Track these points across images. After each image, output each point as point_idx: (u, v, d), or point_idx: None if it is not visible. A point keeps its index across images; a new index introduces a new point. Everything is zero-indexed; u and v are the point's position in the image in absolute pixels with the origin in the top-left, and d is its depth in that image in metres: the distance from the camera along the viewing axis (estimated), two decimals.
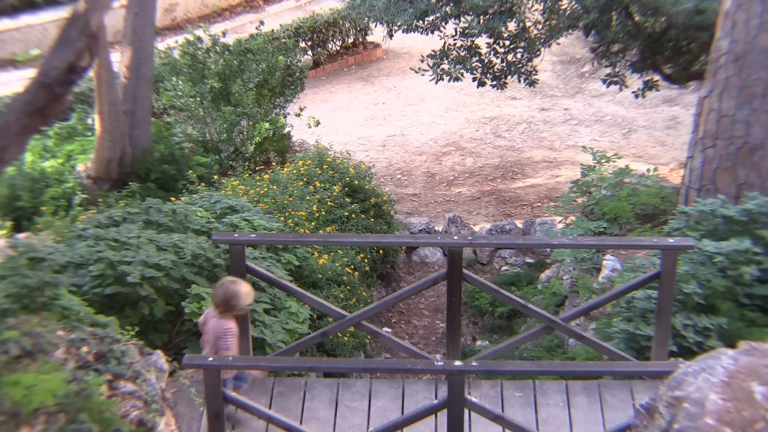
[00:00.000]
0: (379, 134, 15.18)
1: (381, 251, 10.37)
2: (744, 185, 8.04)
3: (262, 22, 12.76)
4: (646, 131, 14.94)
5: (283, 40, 13.50)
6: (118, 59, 10.26)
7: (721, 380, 3.10)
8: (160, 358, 5.35)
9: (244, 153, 11.27)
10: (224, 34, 11.93)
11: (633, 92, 11.70)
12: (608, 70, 11.54)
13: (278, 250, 7.88)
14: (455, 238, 6.52)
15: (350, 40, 18.33)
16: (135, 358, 4.96)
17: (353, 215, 10.11)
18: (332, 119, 14.76)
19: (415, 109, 16.09)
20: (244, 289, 5.66)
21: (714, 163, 8.28)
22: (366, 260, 9.83)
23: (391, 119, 15.75)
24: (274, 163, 11.53)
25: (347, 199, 10.27)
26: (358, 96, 16.76)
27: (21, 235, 7.76)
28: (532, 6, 11.12)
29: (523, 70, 11.54)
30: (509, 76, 11.63)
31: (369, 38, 18.49)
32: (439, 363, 5.56)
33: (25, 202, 9.64)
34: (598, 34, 11.15)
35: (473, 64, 11.39)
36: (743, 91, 8.02)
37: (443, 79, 11.28)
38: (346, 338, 8.32)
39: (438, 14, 11.03)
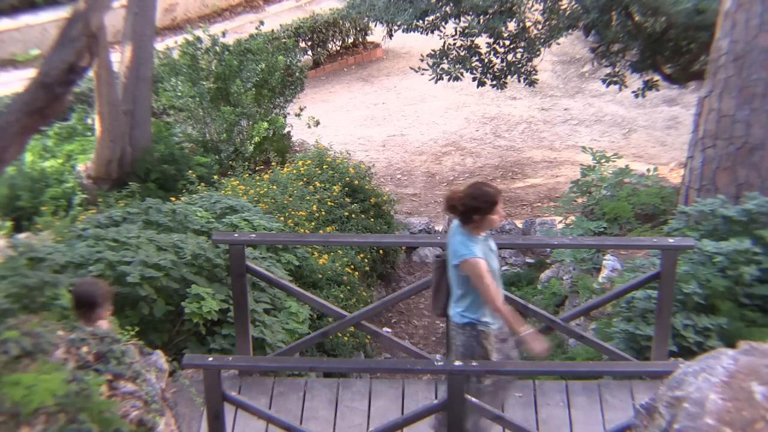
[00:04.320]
0: (379, 134, 15.17)
1: (381, 251, 10.37)
2: (744, 185, 8.04)
3: (262, 22, 12.76)
4: (646, 131, 14.93)
5: (283, 40, 13.51)
6: (118, 59, 10.27)
7: (721, 380, 3.10)
8: (160, 358, 5.34)
9: (244, 153, 11.26)
10: (224, 34, 11.93)
11: (633, 92, 11.69)
12: (608, 70, 11.52)
13: (278, 250, 7.88)
14: None
15: (350, 40, 18.31)
16: (135, 358, 4.95)
17: (353, 215, 10.11)
18: (332, 119, 14.75)
19: (415, 109, 16.08)
20: None
21: (714, 163, 8.27)
22: (366, 260, 9.82)
23: (391, 119, 15.74)
24: (273, 163, 11.52)
25: (347, 199, 10.27)
26: (358, 96, 16.75)
27: (21, 235, 7.78)
28: (532, 6, 11.11)
29: (523, 70, 11.53)
30: (509, 76, 11.61)
31: (369, 38, 18.48)
32: (439, 363, 5.55)
33: (25, 202, 9.64)
34: (598, 34, 11.14)
35: (473, 64, 11.38)
36: (743, 91, 8.02)
37: (443, 79, 11.27)
38: (346, 338, 8.32)
39: (438, 14, 11.03)
